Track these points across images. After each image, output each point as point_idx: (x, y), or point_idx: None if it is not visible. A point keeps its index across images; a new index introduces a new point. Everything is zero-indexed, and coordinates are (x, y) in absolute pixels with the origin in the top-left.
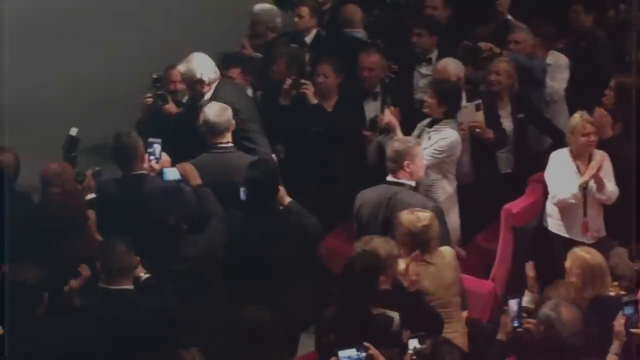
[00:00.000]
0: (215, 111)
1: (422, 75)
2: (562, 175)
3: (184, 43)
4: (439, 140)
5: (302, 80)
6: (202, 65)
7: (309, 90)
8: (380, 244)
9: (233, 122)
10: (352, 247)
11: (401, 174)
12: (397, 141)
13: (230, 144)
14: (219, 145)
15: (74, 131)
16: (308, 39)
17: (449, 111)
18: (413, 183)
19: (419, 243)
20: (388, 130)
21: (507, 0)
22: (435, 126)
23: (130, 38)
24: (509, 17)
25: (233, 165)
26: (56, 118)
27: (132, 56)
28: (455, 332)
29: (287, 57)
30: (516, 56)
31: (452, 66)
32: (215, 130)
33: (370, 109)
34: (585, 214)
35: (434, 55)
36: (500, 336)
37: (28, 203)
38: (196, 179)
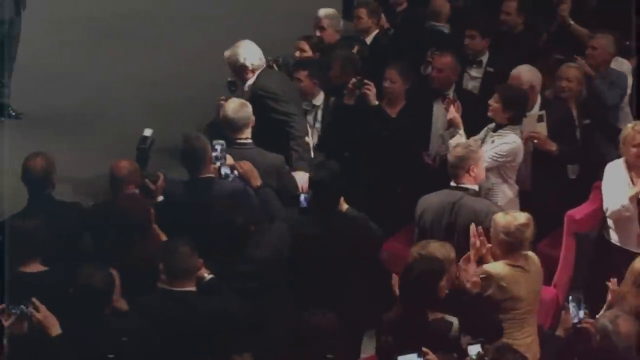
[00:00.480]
0: (234, 107)
1: (472, 78)
2: (615, 186)
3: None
4: (501, 144)
5: (365, 81)
6: (247, 51)
7: (371, 90)
8: (437, 249)
9: (252, 118)
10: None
11: (465, 178)
12: (459, 147)
13: (249, 140)
14: (238, 141)
15: (148, 132)
16: (368, 40)
17: (513, 118)
18: (476, 187)
19: (515, 243)
20: (450, 125)
21: (568, 5)
22: (500, 131)
23: (201, 40)
24: (571, 22)
25: (252, 161)
26: (125, 119)
27: (202, 58)
28: (531, 335)
29: (341, 60)
30: (608, 77)
31: (527, 73)
32: (233, 126)
33: (440, 110)
34: None
35: (484, 57)
36: (559, 332)
37: (73, 210)
38: (257, 180)
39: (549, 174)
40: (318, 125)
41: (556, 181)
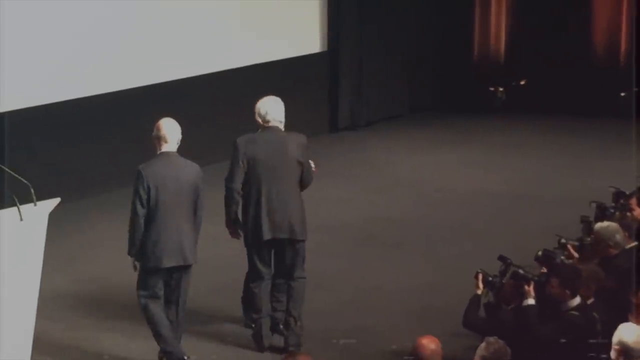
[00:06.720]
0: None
1: None
2: None
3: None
4: None
5: None
6: (272, 107)
7: None
8: None
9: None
10: None
11: None
12: None
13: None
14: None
15: None
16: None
17: None
18: None
19: None
20: None
21: None
22: None
23: (459, 249)
24: None
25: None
26: (380, 327)
27: (459, 267)
28: None
29: (560, 278)
30: None
31: None
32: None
33: None
34: None
35: None
36: None
37: None
38: None
39: None
40: None
41: None
